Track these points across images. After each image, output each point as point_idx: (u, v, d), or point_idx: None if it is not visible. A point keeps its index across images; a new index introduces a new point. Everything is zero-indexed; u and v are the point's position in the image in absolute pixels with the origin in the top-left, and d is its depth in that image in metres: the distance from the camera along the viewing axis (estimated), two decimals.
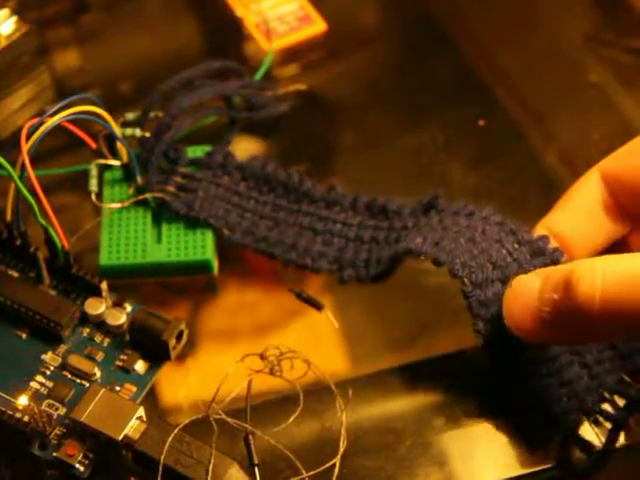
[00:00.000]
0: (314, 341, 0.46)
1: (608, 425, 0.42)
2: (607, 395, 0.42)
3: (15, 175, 0.42)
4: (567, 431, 0.41)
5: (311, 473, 0.39)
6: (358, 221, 0.47)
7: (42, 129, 0.43)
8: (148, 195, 0.48)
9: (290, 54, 0.57)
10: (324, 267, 0.47)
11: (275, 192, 0.49)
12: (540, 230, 0.43)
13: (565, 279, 0.38)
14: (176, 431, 0.39)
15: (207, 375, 0.44)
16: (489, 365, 0.43)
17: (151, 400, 0.43)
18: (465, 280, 0.41)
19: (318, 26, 0.58)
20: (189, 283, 0.48)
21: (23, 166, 0.42)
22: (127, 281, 0.47)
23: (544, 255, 0.42)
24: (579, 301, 0.37)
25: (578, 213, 0.43)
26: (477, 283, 0.41)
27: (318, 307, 0.46)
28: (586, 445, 0.41)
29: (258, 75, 0.54)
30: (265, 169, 0.49)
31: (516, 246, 0.42)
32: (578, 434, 0.41)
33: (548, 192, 0.50)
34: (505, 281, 0.41)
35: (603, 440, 0.41)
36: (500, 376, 0.42)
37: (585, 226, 0.43)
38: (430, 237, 0.43)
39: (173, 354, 0.44)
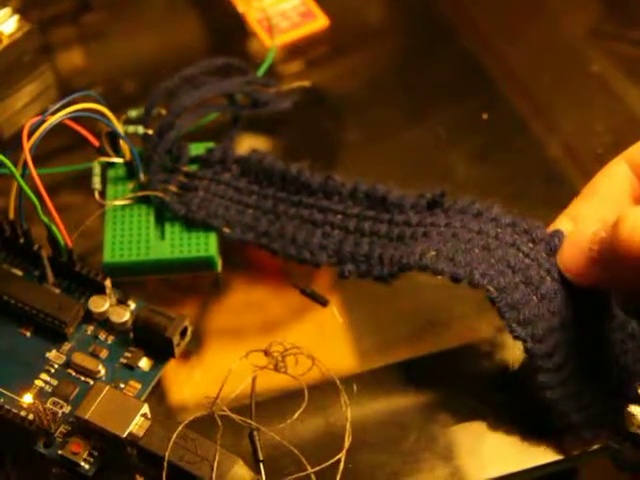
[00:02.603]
0: (319, 337, 0.46)
1: None
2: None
3: (17, 173, 0.42)
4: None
5: (316, 469, 0.39)
6: (358, 211, 0.47)
7: (44, 127, 0.43)
8: (148, 193, 0.48)
9: (293, 50, 0.57)
10: (323, 260, 0.46)
11: (275, 185, 0.48)
12: (564, 221, 0.42)
13: (618, 218, 0.38)
14: (180, 428, 0.39)
15: (212, 372, 0.44)
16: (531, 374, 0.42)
17: (156, 397, 0.43)
18: (489, 287, 0.40)
19: (320, 22, 0.58)
20: (193, 280, 0.48)
21: (25, 164, 0.42)
22: (131, 279, 0.47)
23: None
24: (621, 239, 0.37)
25: (605, 204, 0.42)
26: (501, 288, 0.40)
27: (323, 302, 0.46)
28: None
29: (260, 71, 0.54)
30: (263, 162, 0.48)
31: (531, 246, 0.42)
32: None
33: (552, 184, 0.50)
34: (527, 283, 0.41)
35: None
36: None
37: (612, 218, 0.42)
38: (443, 249, 0.42)
39: (177, 351, 0.44)
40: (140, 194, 0.48)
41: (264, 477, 0.40)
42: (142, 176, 0.48)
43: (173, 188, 0.48)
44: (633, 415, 0.41)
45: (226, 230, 0.47)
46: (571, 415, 0.41)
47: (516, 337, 0.40)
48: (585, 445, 0.41)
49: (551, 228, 0.42)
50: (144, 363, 0.44)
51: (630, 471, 0.42)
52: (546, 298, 0.41)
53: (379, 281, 0.45)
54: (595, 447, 0.41)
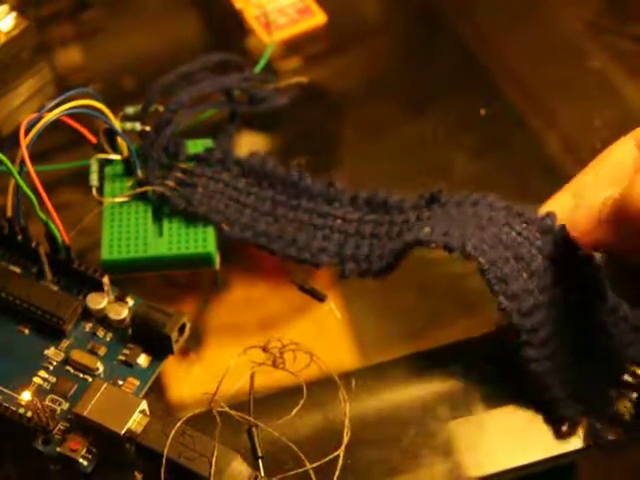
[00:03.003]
0: (318, 333, 0.46)
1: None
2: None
3: (14, 170, 0.42)
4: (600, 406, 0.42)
5: (315, 465, 0.39)
6: (358, 217, 0.47)
7: (40, 124, 0.43)
8: (148, 188, 0.48)
9: (290, 46, 0.57)
10: (324, 261, 0.46)
11: (275, 188, 0.48)
12: (564, 195, 0.43)
13: (629, 181, 0.39)
14: (179, 424, 0.39)
15: (210, 368, 0.44)
16: (504, 347, 0.42)
17: (154, 394, 0.43)
18: (480, 259, 0.41)
19: (318, 18, 0.58)
20: (192, 277, 0.48)
21: (23, 161, 0.42)
22: (130, 276, 0.47)
23: (552, 232, 0.42)
24: (633, 200, 0.39)
25: (609, 180, 0.42)
26: (492, 261, 0.41)
27: (320, 298, 0.46)
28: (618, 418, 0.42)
29: (258, 68, 0.54)
30: (265, 166, 0.48)
31: (524, 225, 0.42)
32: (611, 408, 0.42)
33: (550, 179, 0.50)
34: (517, 258, 0.41)
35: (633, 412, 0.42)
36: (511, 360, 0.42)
37: (615, 189, 0.42)
38: (438, 227, 0.43)
39: (176, 347, 0.44)
40: (139, 190, 0.48)
41: (263, 473, 0.40)
42: (139, 173, 0.48)
43: (171, 184, 0.48)
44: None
45: (225, 227, 0.47)
46: (553, 389, 0.41)
47: (503, 309, 0.41)
48: (570, 426, 0.42)
49: (551, 201, 0.43)
50: (142, 360, 0.44)
51: (612, 452, 0.42)
52: (535, 275, 0.41)
53: (379, 276, 0.45)
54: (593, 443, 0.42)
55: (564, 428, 0.42)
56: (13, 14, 0.55)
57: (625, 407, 0.42)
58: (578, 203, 0.42)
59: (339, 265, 0.46)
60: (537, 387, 0.42)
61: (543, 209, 0.43)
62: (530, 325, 0.41)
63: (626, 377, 0.43)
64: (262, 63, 0.55)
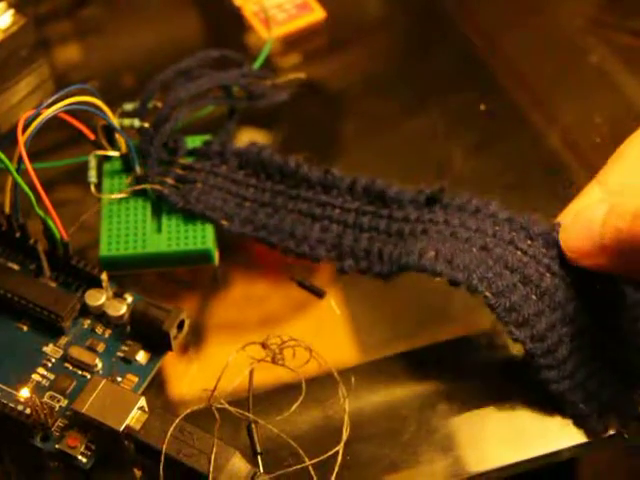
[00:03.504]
0: (317, 329, 0.46)
1: None
2: None
3: (11, 166, 0.42)
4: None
5: (314, 461, 0.39)
6: (356, 206, 0.47)
7: (38, 120, 0.42)
8: (146, 186, 0.48)
9: (289, 42, 0.57)
10: (323, 255, 0.46)
11: (273, 178, 0.48)
12: (595, 189, 0.42)
13: (636, 208, 0.38)
14: (177, 421, 0.39)
15: (209, 365, 0.44)
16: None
17: (153, 391, 0.43)
18: (487, 294, 0.40)
19: (317, 14, 0.58)
20: (191, 274, 0.48)
21: (20, 158, 0.42)
22: (129, 272, 0.47)
23: (558, 246, 0.41)
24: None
25: (634, 169, 0.41)
26: (499, 292, 0.40)
27: (319, 294, 0.46)
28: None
29: (257, 64, 0.54)
30: (261, 155, 0.48)
31: (529, 242, 0.42)
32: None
33: (551, 175, 0.49)
34: (525, 282, 0.41)
35: None
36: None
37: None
38: (442, 250, 0.42)
39: (174, 344, 0.43)
40: (138, 188, 0.48)
41: (262, 469, 0.40)
42: (138, 169, 0.48)
43: (170, 181, 0.48)
44: None
45: (224, 223, 0.47)
46: (579, 405, 0.41)
47: (515, 340, 0.40)
48: (596, 435, 0.41)
49: (581, 197, 0.42)
50: (141, 356, 0.43)
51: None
52: (546, 294, 0.41)
53: (379, 278, 0.45)
54: (596, 438, 0.41)
55: (564, 423, 0.42)
56: (11, 11, 0.55)
57: None
58: (572, 217, 0.41)
59: (338, 260, 0.46)
60: (562, 405, 0.41)
61: (572, 206, 0.42)
62: (546, 347, 0.40)
63: None
64: (261, 59, 0.54)
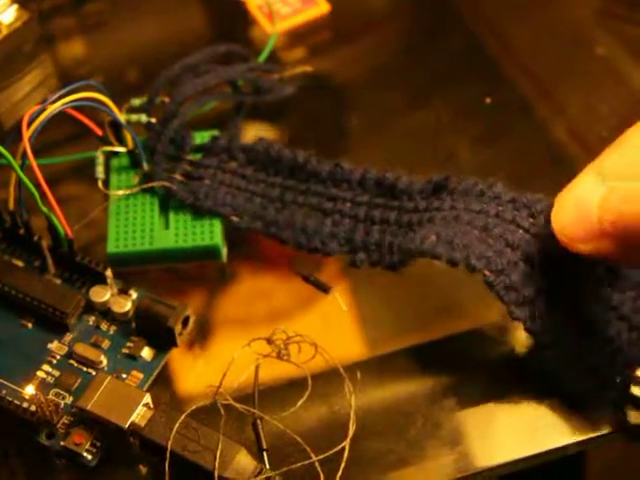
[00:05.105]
0: (323, 325, 0.46)
1: None
2: None
3: (14, 163, 0.42)
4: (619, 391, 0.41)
5: (320, 457, 0.39)
6: (367, 199, 0.46)
7: (43, 116, 0.42)
8: (154, 184, 0.47)
9: (295, 36, 0.57)
10: (335, 250, 0.46)
11: (282, 174, 0.48)
12: (590, 175, 0.39)
13: None
14: (183, 417, 0.39)
15: (215, 361, 0.44)
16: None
17: (158, 387, 0.43)
18: (485, 271, 0.40)
19: (322, 7, 0.57)
20: (198, 269, 0.48)
21: (25, 154, 0.42)
22: (136, 269, 0.47)
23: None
24: None
25: (635, 155, 0.39)
26: (499, 270, 0.40)
27: (325, 290, 0.46)
28: None
29: (261, 58, 0.54)
30: (270, 150, 0.48)
31: (531, 220, 0.41)
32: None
33: (557, 167, 0.49)
34: (527, 260, 0.40)
35: None
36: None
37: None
38: (443, 233, 0.42)
39: (179, 340, 0.43)
40: (146, 186, 0.48)
41: (267, 466, 0.40)
42: (146, 165, 0.48)
43: (178, 177, 0.48)
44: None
45: (234, 219, 0.47)
46: (580, 381, 0.41)
47: (514, 318, 0.40)
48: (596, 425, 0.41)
49: (575, 182, 0.40)
50: (146, 353, 0.43)
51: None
52: (549, 273, 0.40)
53: (389, 269, 0.45)
54: (605, 432, 0.41)
55: (572, 417, 0.41)
56: (15, 6, 0.54)
57: None
58: (564, 199, 0.39)
59: (350, 254, 0.46)
60: (566, 385, 0.41)
61: (566, 191, 0.40)
62: (545, 327, 0.40)
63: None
64: (265, 53, 0.54)
